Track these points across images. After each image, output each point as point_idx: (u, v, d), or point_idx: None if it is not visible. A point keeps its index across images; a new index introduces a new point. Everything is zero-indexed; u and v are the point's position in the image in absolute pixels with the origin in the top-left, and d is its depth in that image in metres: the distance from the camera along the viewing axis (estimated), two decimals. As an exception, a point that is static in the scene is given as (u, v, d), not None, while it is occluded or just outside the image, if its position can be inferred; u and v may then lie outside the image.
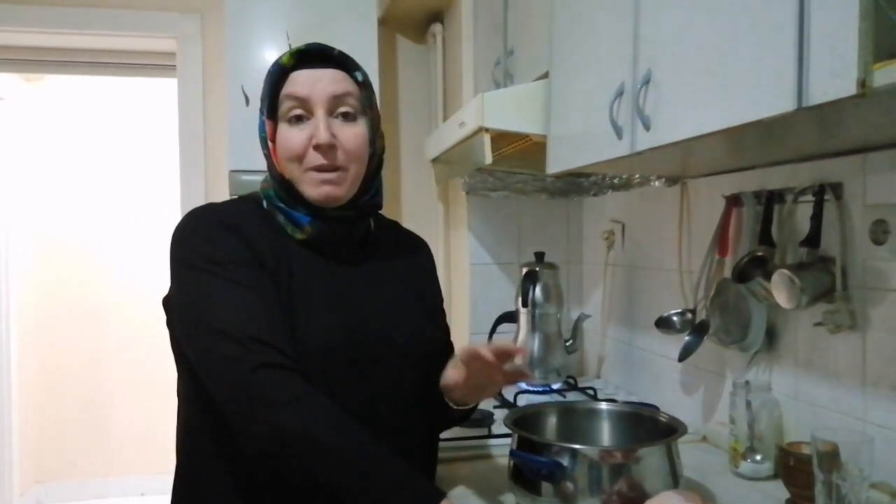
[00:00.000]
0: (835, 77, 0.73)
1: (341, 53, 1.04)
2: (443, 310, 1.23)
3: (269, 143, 1.02)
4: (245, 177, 2.19)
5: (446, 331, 1.23)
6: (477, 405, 1.19)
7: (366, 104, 1.04)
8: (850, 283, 1.16)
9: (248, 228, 0.99)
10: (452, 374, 1.10)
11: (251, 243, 0.98)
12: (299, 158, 1.00)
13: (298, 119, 1.00)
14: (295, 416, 0.87)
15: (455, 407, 1.12)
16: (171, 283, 1.00)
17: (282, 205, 1.03)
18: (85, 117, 3.99)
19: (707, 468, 1.36)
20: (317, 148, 0.99)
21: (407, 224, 1.28)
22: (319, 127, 0.99)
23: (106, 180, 4.02)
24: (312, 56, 1.02)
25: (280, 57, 1.02)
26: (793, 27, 0.79)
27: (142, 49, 2.88)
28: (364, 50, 2.33)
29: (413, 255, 1.21)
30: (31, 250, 3.88)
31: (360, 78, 1.04)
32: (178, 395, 1.07)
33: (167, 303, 1.03)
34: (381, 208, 1.13)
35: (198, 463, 1.03)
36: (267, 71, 1.04)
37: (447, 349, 1.18)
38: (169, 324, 1.03)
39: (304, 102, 1.00)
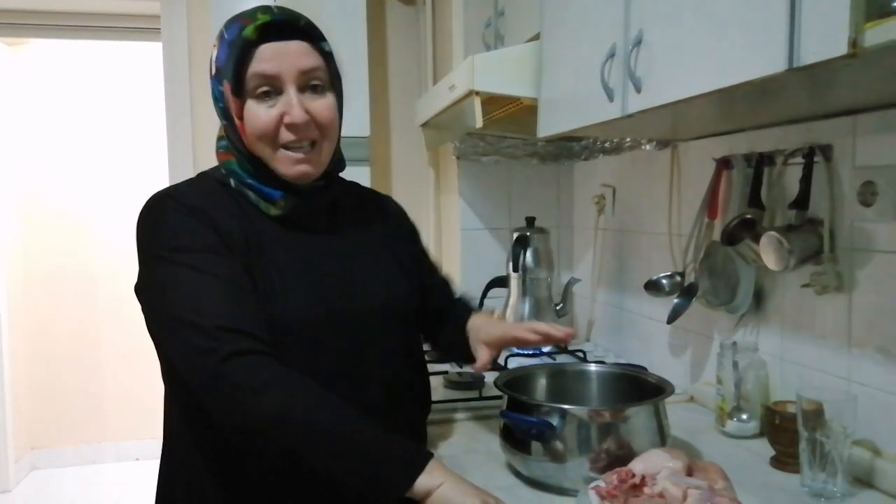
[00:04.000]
0: (826, 37, 0.72)
1: (308, 23, 0.99)
2: (424, 256, 1.24)
3: (237, 121, 0.98)
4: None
5: (426, 271, 1.25)
6: None
7: (333, 75, 1.02)
8: (838, 244, 1.17)
9: (212, 210, 0.97)
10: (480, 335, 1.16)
11: (217, 225, 0.95)
12: (271, 137, 0.97)
13: (267, 95, 0.96)
14: (271, 401, 0.85)
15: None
16: (139, 272, 0.98)
17: (251, 181, 1.00)
18: (70, 83, 3.93)
19: (694, 427, 1.38)
20: (290, 127, 0.97)
21: (397, 189, 1.29)
22: (293, 105, 0.96)
23: (93, 146, 3.97)
24: (278, 27, 0.95)
25: (242, 28, 0.95)
26: (785, -14, 0.78)
27: (126, 12, 2.82)
28: (352, 12, 2.29)
29: (380, 214, 1.19)
30: (17, 218, 3.84)
31: (326, 48, 1.01)
32: (162, 373, 1.06)
33: (138, 292, 1.00)
34: (344, 168, 1.11)
35: (185, 436, 1.02)
36: (224, 37, 0.96)
37: (443, 295, 1.25)
38: (143, 312, 1.01)
39: (273, 80, 0.96)
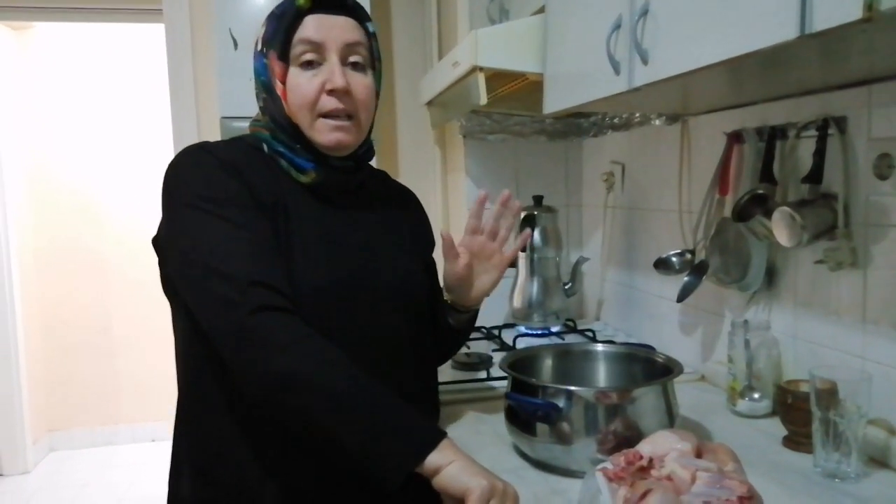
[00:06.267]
0: (840, 1, 0.69)
1: (355, 2, 1.04)
2: (433, 258, 1.25)
3: (280, 85, 1.01)
4: (236, 123, 2.14)
5: (435, 276, 1.25)
6: (477, 312, 1.27)
7: (374, 56, 1.06)
8: (852, 219, 1.14)
9: (245, 168, 0.99)
10: (452, 270, 1.18)
11: (248, 183, 0.97)
12: (312, 104, 1.00)
13: (310, 64, 1.00)
14: (293, 360, 0.85)
15: (461, 311, 1.21)
16: (164, 220, 0.99)
17: (282, 149, 1.02)
18: (76, 66, 3.92)
19: (705, 407, 1.36)
20: (331, 93, 0.99)
21: (403, 169, 1.29)
22: (334, 72, 0.99)
23: (100, 129, 3.97)
24: (327, 1, 1.01)
25: (294, 1, 1.01)
26: (797, -52, 0.74)
27: (128, -7, 2.80)
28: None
29: (403, 205, 1.22)
30: (27, 202, 3.86)
31: (371, 29, 1.05)
32: (175, 333, 1.06)
33: (157, 242, 1.02)
34: (373, 157, 1.14)
35: (199, 401, 1.02)
36: (273, 13, 1.02)
37: (436, 294, 1.23)
38: (161, 264, 1.02)
39: (317, 47, 0.99)
